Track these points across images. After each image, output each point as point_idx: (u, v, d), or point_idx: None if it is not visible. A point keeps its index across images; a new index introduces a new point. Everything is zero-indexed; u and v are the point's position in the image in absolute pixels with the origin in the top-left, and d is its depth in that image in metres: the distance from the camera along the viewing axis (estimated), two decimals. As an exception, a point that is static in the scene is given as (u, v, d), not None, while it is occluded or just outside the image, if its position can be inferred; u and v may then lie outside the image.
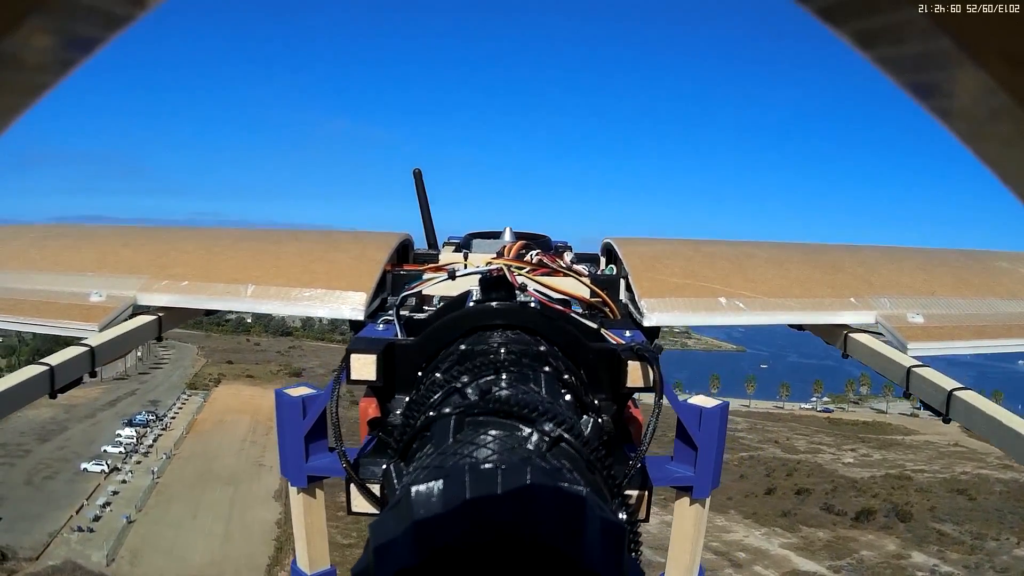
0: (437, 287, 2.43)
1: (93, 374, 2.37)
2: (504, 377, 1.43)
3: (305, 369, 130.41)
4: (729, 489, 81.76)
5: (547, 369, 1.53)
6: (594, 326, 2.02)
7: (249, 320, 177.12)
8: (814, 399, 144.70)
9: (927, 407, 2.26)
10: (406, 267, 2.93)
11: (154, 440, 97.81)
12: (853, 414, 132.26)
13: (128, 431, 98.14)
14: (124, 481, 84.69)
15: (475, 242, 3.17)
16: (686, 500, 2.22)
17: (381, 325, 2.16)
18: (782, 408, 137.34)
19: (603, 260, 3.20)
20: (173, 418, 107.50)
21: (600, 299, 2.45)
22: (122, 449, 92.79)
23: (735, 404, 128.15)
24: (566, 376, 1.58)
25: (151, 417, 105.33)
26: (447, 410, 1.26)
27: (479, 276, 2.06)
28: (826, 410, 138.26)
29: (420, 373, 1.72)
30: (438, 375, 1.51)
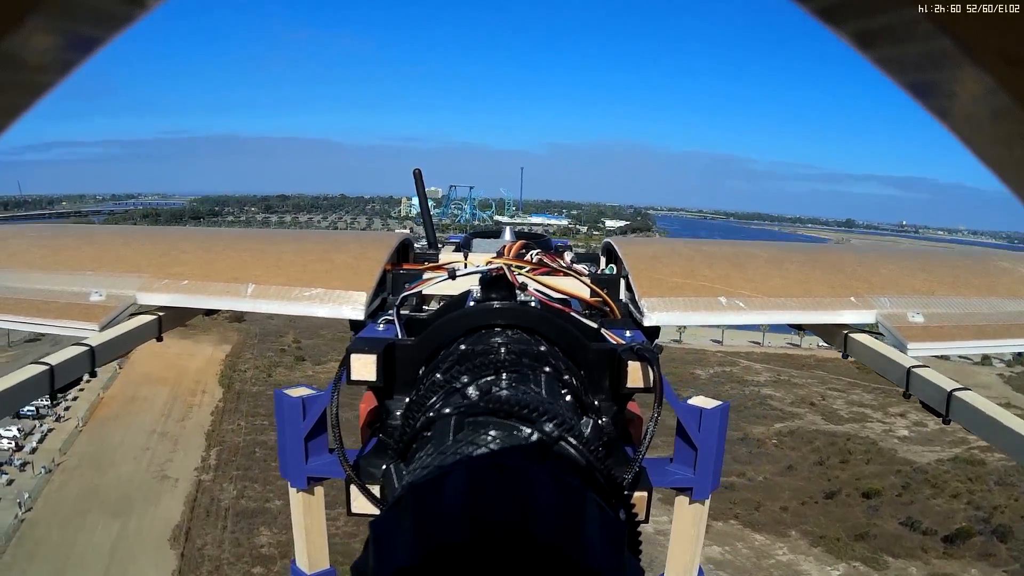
0: (437, 287, 2.43)
1: (93, 374, 2.36)
2: (504, 377, 1.43)
3: (245, 312, 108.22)
4: (779, 489, 62.35)
5: (547, 369, 1.53)
6: (594, 326, 2.00)
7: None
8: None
9: (927, 408, 2.24)
10: (406, 266, 2.90)
11: (40, 440, 72.98)
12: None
13: (11, 431, 74.22)
14: (-17, 520, 61.97)
15: (475, 241, 3.15)
16: (685, 501, 2.20)
17: (381, 325, 2.15)
18: (799, 346, 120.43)
19: (603, 260, 3.16)
20: (75, 398, 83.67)
21: (600, 299, 2.46)
22: (-4, 461, 68.79)
23: (743, 342, 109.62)
24: (566, 376, 1.59)
25: (43, 402, 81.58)
26: (447, 410, 1.25)
27: (479, 276, 2.07)
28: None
29: (420, 373, 1.72)
30: (438, 375, 1.51)
